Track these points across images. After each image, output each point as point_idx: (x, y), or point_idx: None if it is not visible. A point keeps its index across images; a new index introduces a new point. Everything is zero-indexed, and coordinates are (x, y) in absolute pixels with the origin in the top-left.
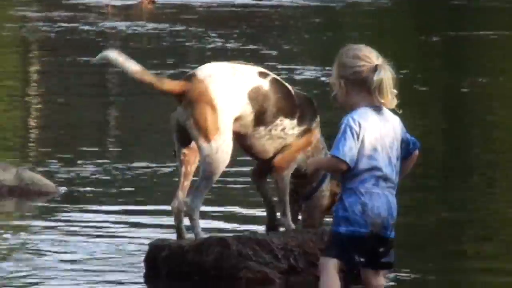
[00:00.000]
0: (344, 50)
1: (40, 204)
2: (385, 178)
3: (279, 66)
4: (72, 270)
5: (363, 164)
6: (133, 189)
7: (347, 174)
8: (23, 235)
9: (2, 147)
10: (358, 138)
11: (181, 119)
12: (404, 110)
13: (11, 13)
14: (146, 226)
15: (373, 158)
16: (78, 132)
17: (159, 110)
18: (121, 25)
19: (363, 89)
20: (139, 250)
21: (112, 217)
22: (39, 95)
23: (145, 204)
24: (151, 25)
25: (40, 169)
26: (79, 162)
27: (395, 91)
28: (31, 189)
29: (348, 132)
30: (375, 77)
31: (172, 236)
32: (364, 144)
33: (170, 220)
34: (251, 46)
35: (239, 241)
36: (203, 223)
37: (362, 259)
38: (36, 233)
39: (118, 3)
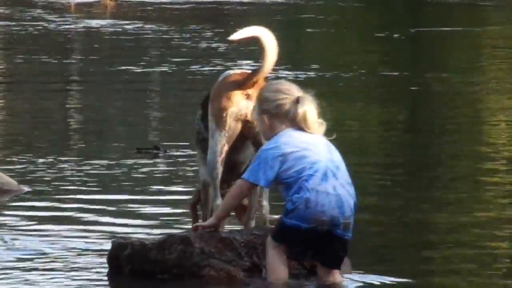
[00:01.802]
0: (265, 86)
1: (2, 202)
2: (334, 174)
3: (243, 65)
4: (34, 268)
5: (300, 165)
6: (96, 186)
7: (288, 180)
8: None
9: None
10: (275, 153)
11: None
12: (365, 105)
13: None
14: (109, 223)
15: (306, 156)
16: (40, 130)
17: (122, 105)
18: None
19: (285, 120)
20: (101, 248)
21: (75, 214)
22: (0, 93)
23: (108, 201)
24: (113, 22)
25: (2, 166)
26: (42, 160)
27: (320, 120)
28: None
29: (263, 156)
30: (299, 109)
31: (135, 233)
32: (289, 152)
33: (132, 218)
34: (215, 43)
35: (201, 238)
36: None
37: (303, 250)
38: None
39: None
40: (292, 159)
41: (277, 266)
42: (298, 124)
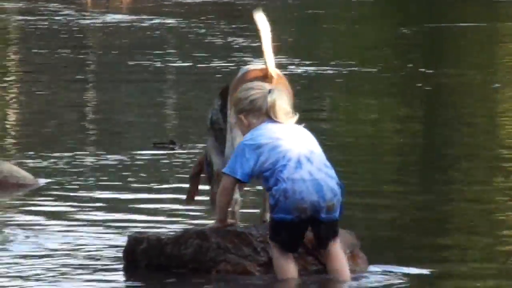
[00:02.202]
0: (240, 89)
1: (18, 196)
2: (308, 159)
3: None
4: (50, 261)
5: (274, 156)
6: (112, 180)
7: (266, 174)
8: (1, 227)
9: None
10: (251, 147)
11: None
12: (381, 100)
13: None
14: (125, 218)
15: (278, 146)
16: (56, 124)
17: (138, 98)
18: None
19: (261, 115)
20: (118, 243)
21: (91, 209)
22: (17, 87)
23: (124, 196)
24: (129, 17)
25: (18, 161)
26: (57, 153)
27: (289, 109)
28: (9, 181)
29: (240, 149)
30: (268, 99)
31: (151, 228)
32: (264, 143)
33: (149, 213)
34: (232, 39)
35: (217, 233)
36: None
37: (298, 242)
38: (14, 225)
39: None
40: (267, 151)
41: (282, 264)
42: (272, 117)
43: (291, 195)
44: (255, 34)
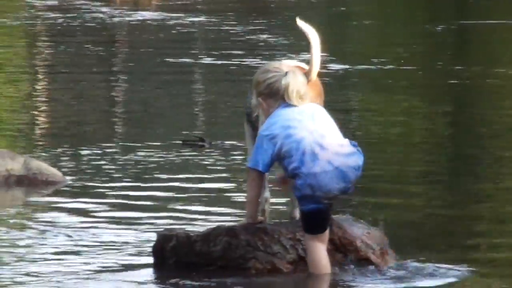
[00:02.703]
0: (258, 70)
1: (47, 193)
2: (321, 145)
3: (289, 57)
4: (78, 259)
5: (287, 144)
6: (141, 177)
7: (282, 162)
8: (30, 223)
9: (10, 136)
10: (268, 137)
11: None
12: (410, 99)
13: (17, 2)
14: (154, 215)
15: (291, 135)
16: (85, 120)
17: (168, 97)
18: (130, 13)
19: (278, 99)
20: (146, 240)
21: (120, 206)
22: (45, 84)
23: (153, 193)
24: (158, 14)
25: (48, 158)
26: (86, 151)
27: (303, 92)
28: (38, 178)
29: (259, 141)
30: (283, 81)
31: (180, 225)
32: (278, 133)
33: (178, 210)
34: (262, 35)
35: (247, 231)
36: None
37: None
38: (43, 222)
39: None
40: (280, 141)
41: (319, 258)
42: (286, 99)
43: (317, 189)
44: (287, 32)
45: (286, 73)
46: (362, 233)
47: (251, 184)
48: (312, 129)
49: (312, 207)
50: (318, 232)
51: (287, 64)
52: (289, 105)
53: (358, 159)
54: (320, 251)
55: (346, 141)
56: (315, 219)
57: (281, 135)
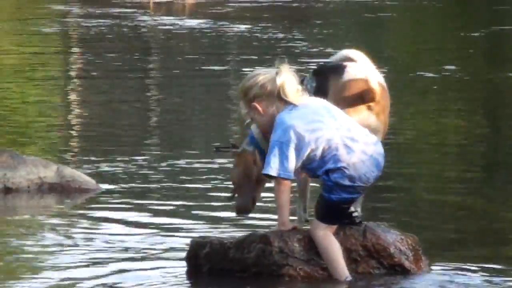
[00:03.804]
0: (242, 80)
1: (80, 201)
2: (352, 139)
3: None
4: (112, 267)
5: (318, 148)
6: (175, 185)
7: (310, 166)
8: (64, 231)
9: (43, 144)
10: (290, 144)
11: (373, 126)
12: (443, 104)
13: (50, 9)
14: (187, 223)
15: (319, 137)
16: (119, 129)
17: (202, 104)
18: (165, 21)
19: (274, 99)
20: (180, 247)
21: (153, 213)
22: (79, 91)
23: (187, 201)
24: (192, 21)
25: (81, 165)
26: (119, 158)
27: (299, 86)
28: (71, 186)
29: (278, 148)
30: (277, 82)
31: (213, 232)
32: (302, 135)
33: (212, 217)
34: (298, 43)
35: (280, 238)
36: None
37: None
38: (77, 230)
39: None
40: (309, 143)
41: (332, 245)
42: (284, 98)
43: (357, 178)
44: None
45: (277, 72)
46: (395, 239)
47: (281, 192)
48: (337, 125)
49: (345, 196)
50: (335, 223)
51: (274, 68)
52: (295, 107)
53: (382, 147)
54: (332, 238)
55: (367, 131)
56: (342, 209)
57: (308, 139)
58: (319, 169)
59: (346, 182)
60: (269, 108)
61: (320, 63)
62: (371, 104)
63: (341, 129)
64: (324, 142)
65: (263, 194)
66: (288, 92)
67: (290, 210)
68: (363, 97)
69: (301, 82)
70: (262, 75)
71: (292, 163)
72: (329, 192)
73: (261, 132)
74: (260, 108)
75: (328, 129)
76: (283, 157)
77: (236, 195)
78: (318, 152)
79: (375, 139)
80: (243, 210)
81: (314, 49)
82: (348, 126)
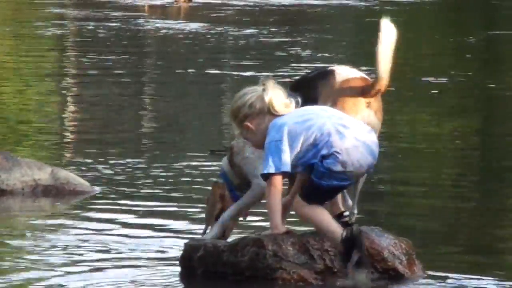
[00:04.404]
0: (232, 101)
1: (75, 203)
2: (344, 125)
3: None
4: (106, 269)
5: (311, 136)
6: (168, 188)
7: (303, 159)
8: (58, 234)
9: (37, 146)
10: (283, 141)
11: (372, 123)
12: (440, 110)
13: (48, 12)
14: (182, 225)
15: (311, 126)
16: (114, 131)
17: (197, 107)
18: (160, 24)
19: (265, 115)
20: (174, 250)
21: (148, 216)
22: (74, 94)
23: (180, 203)
24: (186, 24)
25: (75, 168)
26: (114, 161)
27: (286, 100)
28: (66, 188)
29: (273, 147)
30: (266, 98)
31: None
32: (293, 129)
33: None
34: (295, 47)
35: (274, 241)
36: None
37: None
38: (71, 232)
39: (155, 2)
40: (302, 134)
41: (325, 215)
42: (274, 113)
43: (350, 164)
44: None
45: (264, 89)
46: (389, 243)
47: (272, 192)
48: (329, 114)
49: (335, 184)
50: (319, 203)
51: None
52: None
53: (375, 137)
54: (316, 207)
55: (361, 122)
56: (329, 194)
57: (300, 129)
58: (314, 158)
59: (339, 168)
60: (260, 126)
61: (296, 78)
62: (370, 101)
63: (332, 117)
64: (316, 130)
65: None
66: (277, 107)
67: (282, 213)
68: (365, 92)
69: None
70: (249, 93)
71: (288, 156)
72: (320, 178)
73: (256, 148)
74: (252, 127)
75: (319, 117)
76: (279, 153)
77: (209, 227)
78: (311, 140)
79: (368, 128)
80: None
81: (312, 54)
82: (340, 115)
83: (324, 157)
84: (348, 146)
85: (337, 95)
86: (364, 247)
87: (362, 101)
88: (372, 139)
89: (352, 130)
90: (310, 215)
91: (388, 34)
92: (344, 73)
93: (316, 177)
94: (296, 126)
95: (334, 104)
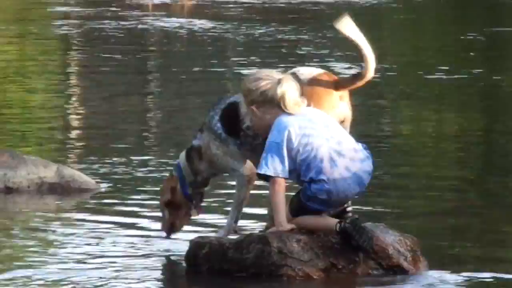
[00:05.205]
0: (245, 78)
1: (80, 200)
2: (339, 152)
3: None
4: (110, 267)
5: (305, 153)
6: None
7: (300, 168)
8: (64, 231)
9: (43, 144)
10: (283, 144)
11: (347, 115)
12: (442, 107)
13: (51, 11)
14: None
15: (308, 143)
16: (119, 129)
17: (200, 103)
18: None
19: (274, 106)
20: (180, 247)
21: (152, 214)
22: (79, 92)
23: None
24: (191, 22)
25: (80, 165)
26: (119, 158)
27: (299, 99)
28: (71, 186)
29: (274, 148)
30: (278, 90)
31: (213, 233)
32: (292, 138)
33: (210, 217)
34: (297, 44)
35: (279, 238)
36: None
37: None
38: (76, 229)
39: (158, 1)
40: (297, 147)
41: (313, 218)
42: (283, 108)
43: (335, 194)
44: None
45: (279, 81)
46: (394, 240)
47: (276, 190)
48: (328, 136)
49: (318, 208)
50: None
51: (277, 72)
52: (288, 113)
53: (371, 164)
54: (308, 216)
55: (359, 146)
56: (314, 213)
57: (297, 143)
58: (304, 175)
59: (324, 196)
60: (266, 115)
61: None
62: (343, 93)
63: (331, 140)
64: (311, 150)
65: (264, 192)
66: (288, 104)
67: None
68: (339, 86)
69: None
70: (264, 80)
71: (287, 162)
72: (307, 199)
73: (255, 130)
74: (258, 113)
75: (318, 137)
76: (280, 157)
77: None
78: (304, 157)
79: (363, 156)
80: (166, 231)
81: (318, 52)
82: (339, 139)
83: (312, 180)
84: (336, 177)
85: (310, 94)
86: (365, 238)
87: (336, 95)
88: (365, 168)
89: (346, 160)
90: (303, 224)
91: (351, 29)
92: (306, 72)
93: (303, 197)
94: (295, 137)
95: (308, 104)
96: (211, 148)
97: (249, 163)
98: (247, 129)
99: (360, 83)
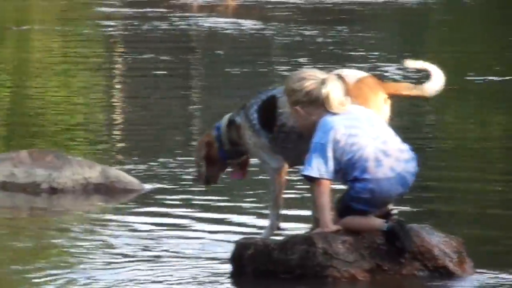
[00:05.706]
0: (288, 77)
1: (125, 201)
2: (384, 152)
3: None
4: (157, 267)
5: (350, 152)
6: (218, 186)
7: (345, 168)
8: (109, 232)
9: (88, 145)
10: (328, 145)
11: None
12: (488, 109)
13: (94, 11)
14: (231, 223)
15: (354, 143)
16: (162, 129)
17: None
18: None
19: (319, 106)
20: (225, 248)
21: (197, 214)
22: (124, 92)
23: (231, 202)
24: (235, 22)
25: (125, 166)
26: (163, 158)
27: (343, 98)
28: (116, 186)
29: (318, 149)
30: (323, 90)
31: (258, 234)
32: (338, 139)
33: (255, 218)
34: (342, 45)
35: (324, 239)
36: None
37: None
38: (122, 230)
39: (202, 2)
40: (343, 147)
41: (358, 218)
42: (327, 108)
43: (378, 194)
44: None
45: (324, 81)
46: (439, 241)
47: (321, 191)
48: (374, 135)
49: (362, 208)
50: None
51: (320, 71)
52: (332, 113)
53: (415, 165)
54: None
55: (405, 146)
56: (354, 213)
57: (343, 144)
58: (349, 174)
59: (367, 195)
60: (311, 115)
61: None
62: (387, 96)
63: (377, 140)
64: (358, 150)
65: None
66: (332, 104)
67: (331, 212)
68: (389, 88)
69: None
70: (309, 80)
71: (332, 163)
72: (350, 199)
73: (299, 129)
74: (303, 113)
75: (364, 136)
76: (324, 159)
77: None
78: (349, 156)
79: (409, 157)
80: (203, 184)
81: (357, 53)
82: (385, 138)
83: (356, 179)
84: (380, 177)
85: (356, 95)
86: (409, 240)
87: (382, 97)
88: (409, 169)
89: (391, 160)
90: (348, 224)
91: (417, 62)
92: (351, 74)
93: (347, 197)
94: (341, 138)
95: (355, 103)
96: (245, 135)
97: (279, 156)
98: (282, 126)
99: (416, 94)
